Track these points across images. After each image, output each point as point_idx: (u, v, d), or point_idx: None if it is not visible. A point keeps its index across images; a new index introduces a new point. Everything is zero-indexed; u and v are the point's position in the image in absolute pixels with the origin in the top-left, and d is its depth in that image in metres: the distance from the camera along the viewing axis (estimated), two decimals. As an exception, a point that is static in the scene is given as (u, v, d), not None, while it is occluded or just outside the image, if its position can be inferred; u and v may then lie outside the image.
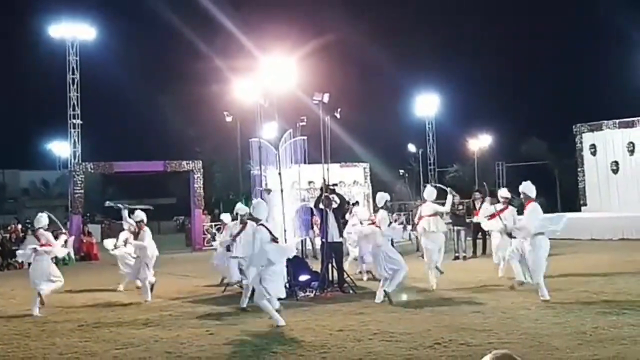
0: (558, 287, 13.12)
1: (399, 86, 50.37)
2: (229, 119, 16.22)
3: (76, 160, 33.79)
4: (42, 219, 13.36)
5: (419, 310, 11.41)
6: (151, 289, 14.03)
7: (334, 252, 14.42)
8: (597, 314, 10.31)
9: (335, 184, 21.01)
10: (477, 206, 21.03)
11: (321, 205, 14.58)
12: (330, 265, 14.33)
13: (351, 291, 13.93)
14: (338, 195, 15.17)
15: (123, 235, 15.84)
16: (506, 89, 53.24)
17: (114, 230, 39.91)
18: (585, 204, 31.63)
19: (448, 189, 15.05)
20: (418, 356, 8.20)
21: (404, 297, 12.74)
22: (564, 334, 9.06)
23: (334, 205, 14.59)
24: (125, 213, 15.20)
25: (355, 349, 8.74)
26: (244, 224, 13.45)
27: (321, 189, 15.00)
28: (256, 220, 11.07)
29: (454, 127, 46.97)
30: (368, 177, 30.06)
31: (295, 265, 14.29)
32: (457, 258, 19.76)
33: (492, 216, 14.39)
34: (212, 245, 29.54)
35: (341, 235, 14.79)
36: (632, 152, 29.84)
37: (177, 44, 47.73)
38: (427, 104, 45.28)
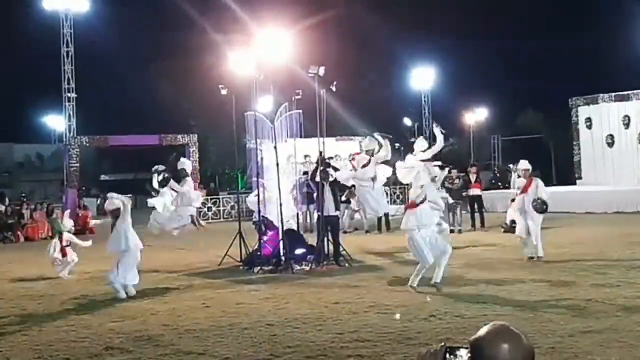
0: (552, 259, 13.21)
1: (395, 59, 50.10)
2: (223, 92, 16.09)
3: (71, 134, 33.64)
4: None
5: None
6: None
7: (329, 225, 14.45)
8: (591, 287, 10.38)
9: (331, 157, 20.98)
10: (473, 179, 21.10)
11: (317, 178, 14.56)
12: (325, 239, 14.35)
13: (347, 264, 13.99)
14: (334, 168, 15.16)
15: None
16: (502, 62, 53.07)
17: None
18: (580, 177, 31.70)
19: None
20: (413, 328, 8.26)
21: None
22: (557, 306, 9.13)
23: (330, 179, 14.57)
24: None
25: (351, 322, 8.79)
26: None
27: (317, 162, 14.98)
28: None
29: (450, 100, 46.82)
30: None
31: (291, 238, 14.34)
32: (452, 231, 19.76)
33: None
34: (208, 220, 29.64)
35: (337, 208, 14.77)
36: (627, 125, 29.83)
37: (171, 15, 47.24)
38: (423, 77, 45.09)
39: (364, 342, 7.76)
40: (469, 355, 2.21)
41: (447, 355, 2.26)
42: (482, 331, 2.20)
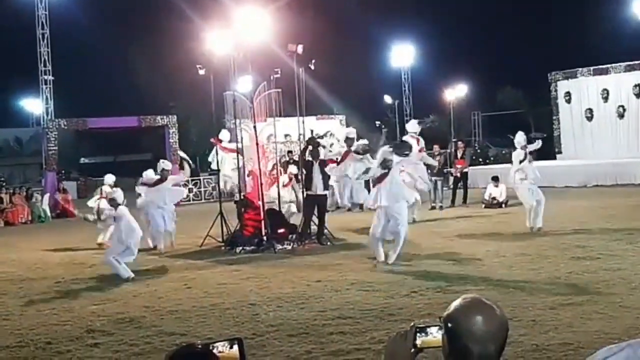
0: (532, 234, 13.29)
1: (374, 37, 49.93)
2: (201, 72, 15.94)
3: (49, 117, 33.36)
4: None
5: (396, 260, 11.48)
6: None
7: (317, 204, 14.35)
8: (571, 260, 10.46)
9: (321, 137, 20.90)
10: (460, 155, 21.14)
11: (308, 157, 14.46)
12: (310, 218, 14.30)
13: (329, 243, 13.97)
14: (324, 147, 15.05)
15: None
16: (481, 38, 53.03)
17: (90, 187, 39.62)
18: (560, 152, 31.84)
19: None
20: (395, 304, 8.29)
21: None
22: (538, 280, 9.20)
23: (322, 157, 14.46)
24: None
25: (333, 299, 8.82)
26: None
27: (307, 140, 14.92)
28: None
29: (430, 77, 46.74)
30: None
31: (273, 218, 14.30)
32: (433, 208, 19.80)
33: None
34: (189, 201, 29.55)
35: (326, 188, 14.63)
36: (606, 99, 29.94)
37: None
38: (402, 55, 45.02)
39: (346, 319, 7.78)
40: (441, 332, 2.20)
41: (418, 335, 2.25)
42: (454, 305, 2.19)
